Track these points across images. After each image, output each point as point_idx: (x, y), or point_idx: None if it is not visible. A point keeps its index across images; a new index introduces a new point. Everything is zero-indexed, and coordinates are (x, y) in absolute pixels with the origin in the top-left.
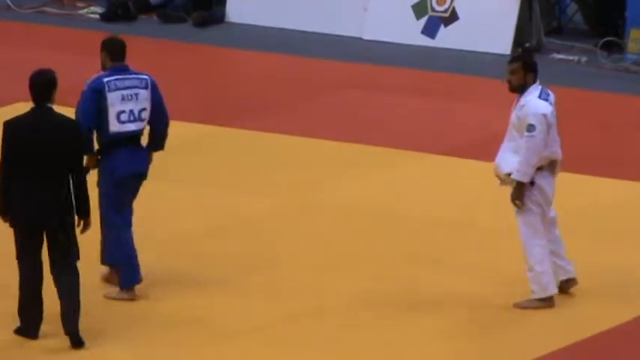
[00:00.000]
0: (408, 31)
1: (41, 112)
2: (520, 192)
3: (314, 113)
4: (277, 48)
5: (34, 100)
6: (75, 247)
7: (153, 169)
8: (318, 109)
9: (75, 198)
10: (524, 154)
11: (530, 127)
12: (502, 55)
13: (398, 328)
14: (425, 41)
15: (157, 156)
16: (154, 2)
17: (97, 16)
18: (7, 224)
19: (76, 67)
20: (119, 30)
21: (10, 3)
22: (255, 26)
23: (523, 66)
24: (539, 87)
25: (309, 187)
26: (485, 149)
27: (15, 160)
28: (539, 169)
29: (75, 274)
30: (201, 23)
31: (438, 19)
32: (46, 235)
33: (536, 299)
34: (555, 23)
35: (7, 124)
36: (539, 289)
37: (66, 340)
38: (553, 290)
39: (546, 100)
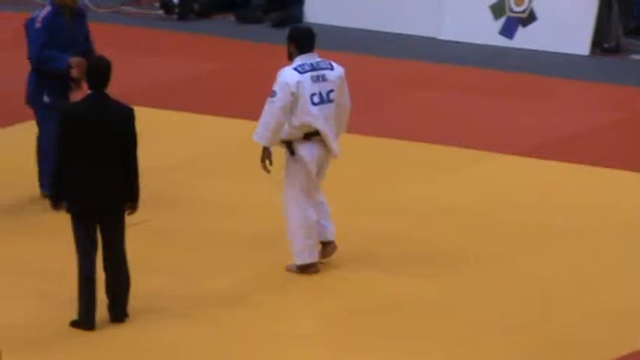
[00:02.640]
0: (486, 32)
1: (98, 98)
2: (262, 154)
3: (390, 113)
4: (354, 48)
5: (91, 86)
6: (124, 231)
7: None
8: (394, 109)
9: (127, 183)
10: (263, 117)
11: (273, 93)
12: (580, 56)
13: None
14: (502, 42)
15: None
16: None
17: (175, 16)
18: (65, 210)
19: (151, 67)
20: (196, 29)
21: (88, 3)
22: (332, 26)
23: (288, 38)
24: (304, 60)
25: (384, 186)
26: (563, 149)
27: (72, 145)
28: (300, 140)
29: (125, 260)
30: (279, 23)
31: (516, 19)
32: (102, 220)
33: (297, 266)
34: (634, 24)
35: (64, 111)
36: (296, 257)
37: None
38: (309, 259)
39: (301, 72)
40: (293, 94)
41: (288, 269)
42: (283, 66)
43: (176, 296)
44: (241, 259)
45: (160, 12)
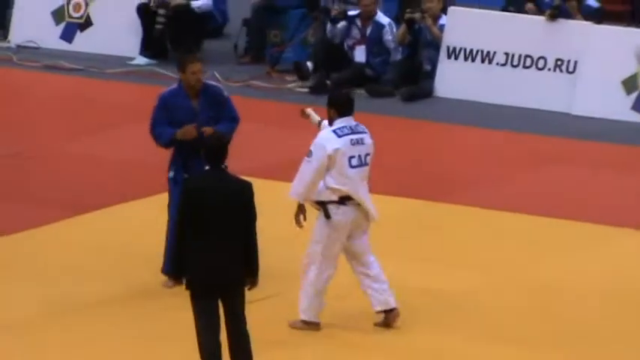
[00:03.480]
0: (618, 107)
1: (216, 174)
2: (297, 210)
3: (522, 187)
4: (485, 122)
5: (209, 162)
6: (244, 307)
7: None
8: (525, 184)
9: (246, 259)
10: (298, 174)
11: (309, 153)
12: None
13: None
14: (635, 117)
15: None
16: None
17: (306, 90)
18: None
19: (285, 142)
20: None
21: (218, 76)
22: (462, 101)
23: (328, 104)
24: (343, 123)
25: (520, 264)
26: None
27: (193, 221)
28: (335, 203)
29: (248, 337)
30: (409, 97)
31: None
32: (222, 297)
33: (301, 320)
34: None
35: (185, 186)
36: (302, 313)
37: None
38: (313, 318)
39: (340, 135)
40: (330, 157)
41: (292, 325)
42: (413, 139)
43: None
44: (369, 334)
45: (291, 85)
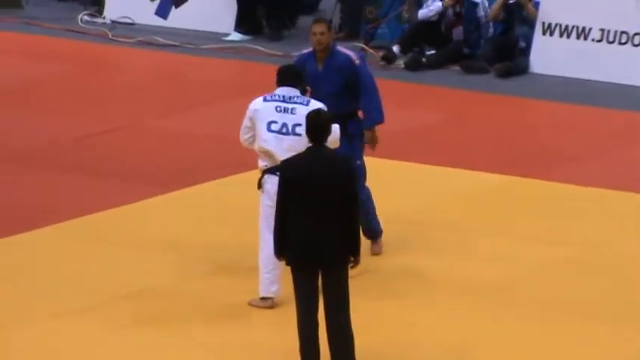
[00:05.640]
0: None
1: (317, 152)
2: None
3: (617, 164)
4: (580, 99)
5: (312, 140)
6: (347, 286)
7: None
8: (621, 160)
9: (348, 235)
10: None
11: None
12: None
13: None
14: None
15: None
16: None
17: (402, 66)
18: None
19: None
20: (422, 79)
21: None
22: (558, 77)
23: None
24: (279, 92)
25: (606, 239)
26: None
27: (292, 198)
28: (268, 173)
29: (348, 315)
30: (505, 74)
31: None
32: (323, 274)
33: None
34: None
35: (283, 165)
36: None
37: None
38: (262, 293)
39: (266, 100)
40: (250, 119)
41: (253, 304)
42: (508, 116)
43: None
44: (469, 308)
45: (382, 63)
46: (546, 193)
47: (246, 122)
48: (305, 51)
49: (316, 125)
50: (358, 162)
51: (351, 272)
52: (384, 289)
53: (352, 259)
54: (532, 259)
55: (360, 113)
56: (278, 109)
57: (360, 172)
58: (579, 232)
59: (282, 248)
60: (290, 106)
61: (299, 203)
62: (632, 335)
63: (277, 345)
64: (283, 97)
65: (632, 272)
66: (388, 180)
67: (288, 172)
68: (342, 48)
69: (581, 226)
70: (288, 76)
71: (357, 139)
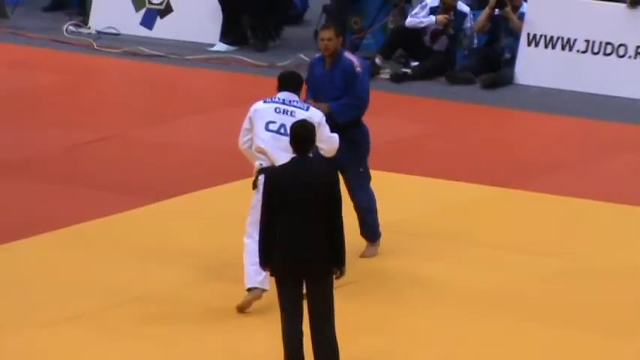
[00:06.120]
0: None
1: (301, 162)
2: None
3: (601, 175)
4: (565, 110)
5: (296, 150)
6: (331, 297)
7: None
8: (605, 171)
9: (331, 245)
10: None
11: None
12: None
13: None
14: None
15: (452, 217)
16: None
17: (387, 77)
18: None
19: (374, 127)
20: (407, 90)
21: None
22: (543, 88)
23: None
24: (279, 96)
25: (599, 251)
26: None
27: (276, 208)
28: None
29: (333, 326)
30: (490, 85)
31: None
32: (308, 285)
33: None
34: None
35: (267, 173)
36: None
37: None
38: (248, 284)
39: (266, 102)
40: (250, 119)
41: (241, 305)
42: (492, 126)
43: None
44: (444, 319)
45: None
46: (532, 203)
47: (245, 124)
48: (317, 55)
49: (301, 136)
50: (361, 169)
51: (336, 283)
52: (373, 296)
53: (337, 270)
54: (521, 269)
55: (364, 119)
56: (277, 110)
57: (365, 177)
58: (568, 243)
59: (267, 259)
60: (290, 108)
61: (283, 214)
62: (623, 346)
63: (276, 350)
64: (283, 100)
65: (623, 283)
66: (373, 190)
67: (272, 182)
68: (349, 54)
69: (569, 235)
70: (288, 82)
71: (361, 145)
